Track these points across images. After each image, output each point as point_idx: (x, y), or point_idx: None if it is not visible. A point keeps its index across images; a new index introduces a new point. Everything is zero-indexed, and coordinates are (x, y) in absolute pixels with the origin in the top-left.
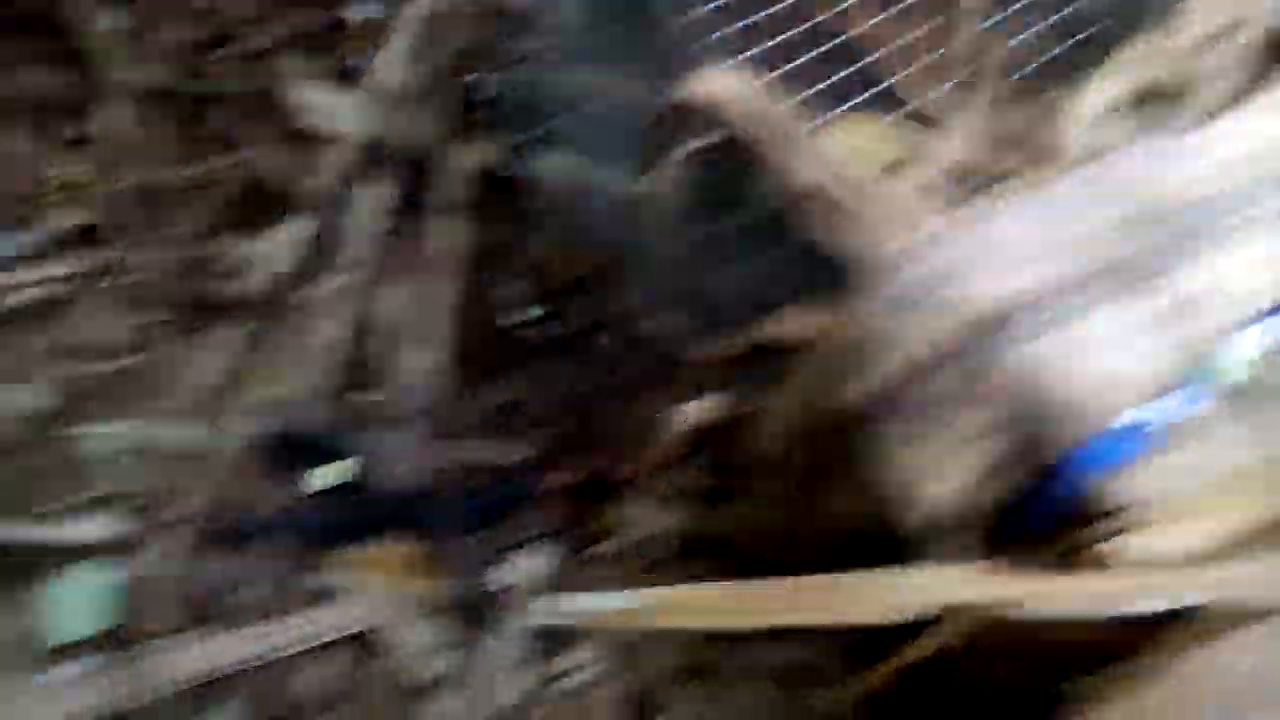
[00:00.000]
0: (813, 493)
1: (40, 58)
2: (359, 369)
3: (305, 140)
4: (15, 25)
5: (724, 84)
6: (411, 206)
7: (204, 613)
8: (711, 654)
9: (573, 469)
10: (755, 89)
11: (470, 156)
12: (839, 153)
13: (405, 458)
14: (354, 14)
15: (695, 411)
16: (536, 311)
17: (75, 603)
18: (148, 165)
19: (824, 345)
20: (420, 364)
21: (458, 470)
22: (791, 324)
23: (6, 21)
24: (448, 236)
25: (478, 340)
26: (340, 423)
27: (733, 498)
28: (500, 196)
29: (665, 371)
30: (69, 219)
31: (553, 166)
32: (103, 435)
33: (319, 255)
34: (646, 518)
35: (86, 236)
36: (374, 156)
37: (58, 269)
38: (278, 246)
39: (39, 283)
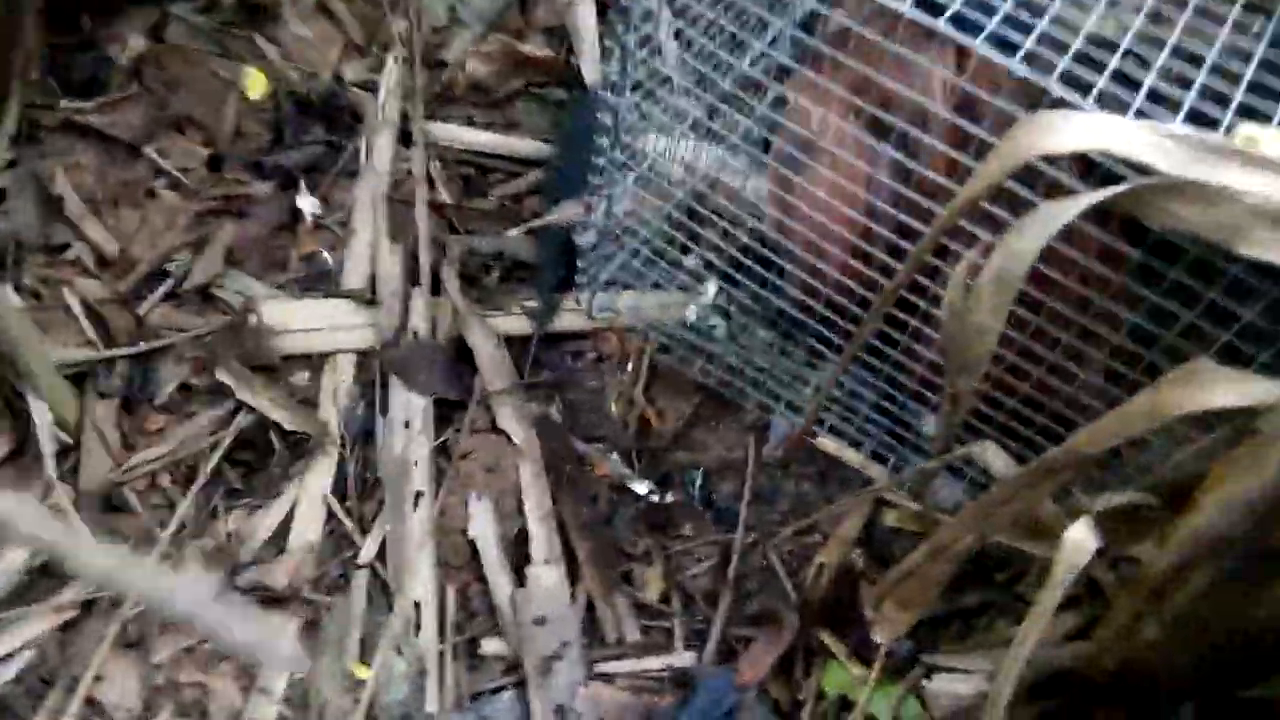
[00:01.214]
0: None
1: None
2: (473, 616)
3: (295, 368)
4: None
5: None
6: (451, 407)
7: None
8: None
9: (769, 644)
10: None
11: (502, 328)
12: None
13: (578, 702)
14: (302, 207)
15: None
16: (644, 485)
17: None
18: (104, 460)
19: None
20: (548, 583)
21: (641, 696)
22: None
23: None
24: (512, 427)
25: (595, 536)
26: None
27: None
28: (554, 360)
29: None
30: (17, 559)
31: (610, 308)
32: None
33: (365, 498)
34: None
35: (49, 569)
36: (385, 366)
37: (29, 630)
38: (311, 503)
39: (11, 654)
